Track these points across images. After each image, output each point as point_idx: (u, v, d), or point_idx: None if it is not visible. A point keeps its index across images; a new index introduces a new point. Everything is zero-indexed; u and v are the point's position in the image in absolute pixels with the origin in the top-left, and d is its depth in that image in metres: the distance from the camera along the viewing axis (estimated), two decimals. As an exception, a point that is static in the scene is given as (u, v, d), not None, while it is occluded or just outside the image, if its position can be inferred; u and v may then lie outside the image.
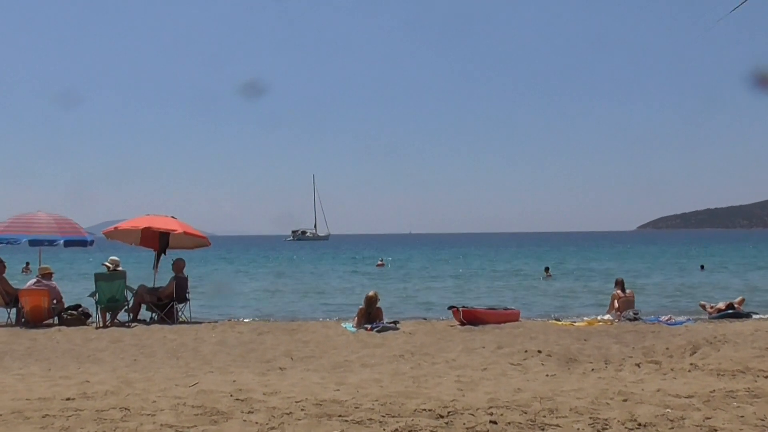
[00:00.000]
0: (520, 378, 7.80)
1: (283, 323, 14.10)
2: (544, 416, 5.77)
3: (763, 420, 5.62)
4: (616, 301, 14.58)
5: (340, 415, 5.82)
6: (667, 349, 9.73)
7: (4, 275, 14.03)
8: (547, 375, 7.99)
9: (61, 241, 14.29)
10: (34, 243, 14.22)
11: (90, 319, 13.79)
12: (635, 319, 13.85)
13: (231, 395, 6.65)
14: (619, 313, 14.22)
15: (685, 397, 6.37)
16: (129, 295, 13.87)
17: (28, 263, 29.57)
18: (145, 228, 14.60)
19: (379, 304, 13.18)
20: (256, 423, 5.59)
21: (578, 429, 5.42)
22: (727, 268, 38.36)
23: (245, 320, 15.06)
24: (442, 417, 5.75)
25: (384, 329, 12.33)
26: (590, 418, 5.69)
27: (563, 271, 36.35)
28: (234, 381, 7.50)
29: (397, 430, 5.41)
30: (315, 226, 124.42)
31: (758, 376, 7.39)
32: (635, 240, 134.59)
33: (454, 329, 12.58)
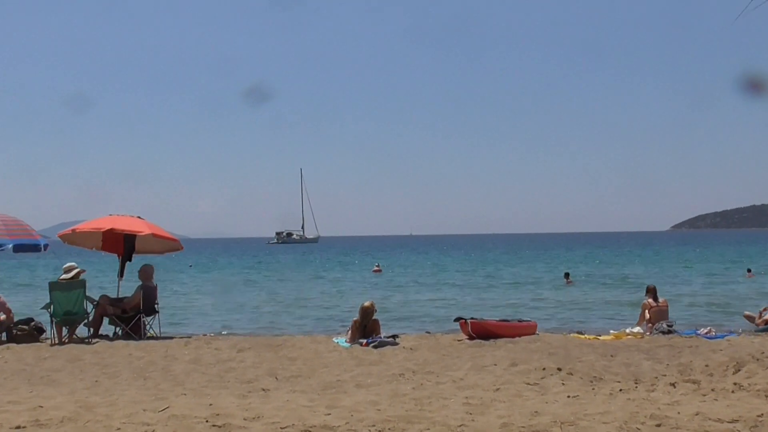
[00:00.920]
0: (537, 399, 7.81)
1: (267, 338, 14.09)
2: (566, 443, 5.77)
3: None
4: (647, 311, 14.59)
5: (331, 444, 5.82)
6: (707, 366, 9.72)
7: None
8: (568, 396, 7.99)
9: (10, 246, 14.21)
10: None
11: (44, 335, 13.75)
12: (669, 331, 13.86)
13: (207, 421, 6.64)
14: (650, 324, 14.23)
15: (728, 422, 6.38)
16: (89, 307, 13.83)
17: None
18: (108, 230, 14.57)
19: (376, 316, 13.18)
20: (236, 453, 5.59)
21: (605, 458, 5.42)
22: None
23: (224, 333, 15.04)
24: (448, 445, 5.75)
25: (381, 344, 12.33)
26: (618, 445, 5.70)
27: (586, 277, 36.38)
28: (210, 405, 7.49)
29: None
30: (302, 227, 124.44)
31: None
32: (669, 241, 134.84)
33: (462, 344, 12.59)
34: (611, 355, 11.01)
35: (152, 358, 11.33)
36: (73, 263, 13.97)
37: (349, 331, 13.16)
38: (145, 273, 14.28)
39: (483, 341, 12.74)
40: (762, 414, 6.65)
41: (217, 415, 6.92)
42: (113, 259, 15.49)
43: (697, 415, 6.70)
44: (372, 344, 12.35)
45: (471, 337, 13.11)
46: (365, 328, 12.95)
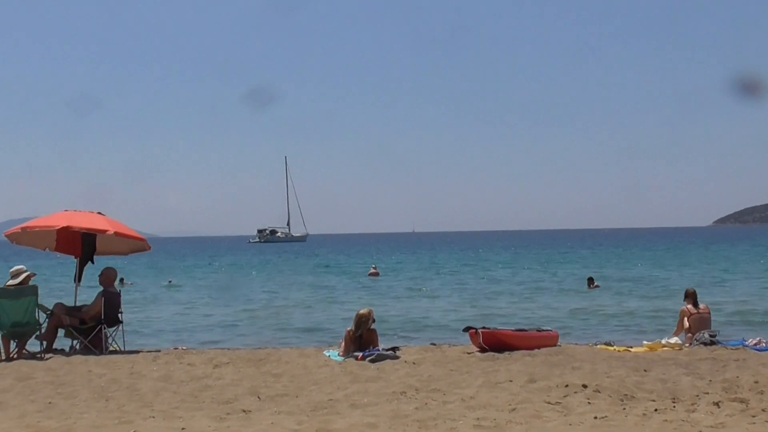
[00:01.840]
0: (559, 421, 7.81)
1: (247, 351, 14.08)
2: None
3: None
4: (686, 319, 14.59)
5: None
6: (756, 383, 9.72)
7: None
8: (595, 417, 7.99)
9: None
10: None
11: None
12: (712, 342, 13.85)
13: (178, 448, 6.61)
14: (690, 335, 14.23)
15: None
16: (41, 317, 13.80)
17: None
18: (63, 228, 14.53)
19: (373, 325, 13.17)
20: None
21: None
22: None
23: (197, 346, 15.02)
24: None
25: (380, 358, 12.31)
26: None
27: (613, 281, 36.46)
28: (183, 429, 7.49)
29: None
30: (288, 224, 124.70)
31: None
32: (711, 237, 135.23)
33: (472, 357, 12.59)
34: (645, 370, 10.99)
35: (115, 375, 11.30)
36: (21, 266, 13.93)
37: (343, 343, 13.15)
38: (108, 277, 14.22)
39: (496, 354, 12.73)
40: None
41: (191, 440, 6.90)
42: (69, 262, 15.45)
43: (745, 438, 6.69)
44: (369, 358, 12.33)
45: (483, 350, 13.09)
46: (361, 340, 12.94)
